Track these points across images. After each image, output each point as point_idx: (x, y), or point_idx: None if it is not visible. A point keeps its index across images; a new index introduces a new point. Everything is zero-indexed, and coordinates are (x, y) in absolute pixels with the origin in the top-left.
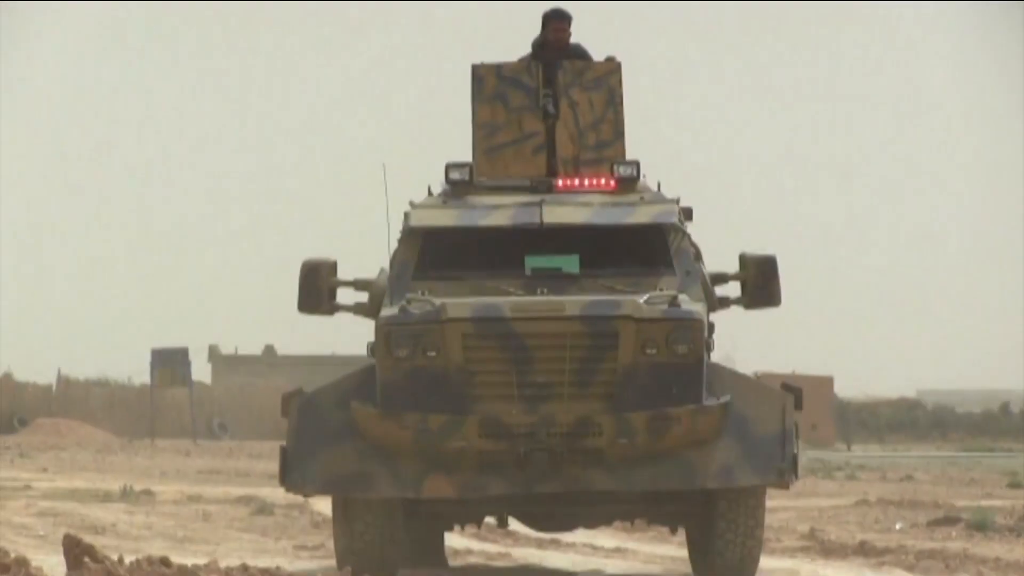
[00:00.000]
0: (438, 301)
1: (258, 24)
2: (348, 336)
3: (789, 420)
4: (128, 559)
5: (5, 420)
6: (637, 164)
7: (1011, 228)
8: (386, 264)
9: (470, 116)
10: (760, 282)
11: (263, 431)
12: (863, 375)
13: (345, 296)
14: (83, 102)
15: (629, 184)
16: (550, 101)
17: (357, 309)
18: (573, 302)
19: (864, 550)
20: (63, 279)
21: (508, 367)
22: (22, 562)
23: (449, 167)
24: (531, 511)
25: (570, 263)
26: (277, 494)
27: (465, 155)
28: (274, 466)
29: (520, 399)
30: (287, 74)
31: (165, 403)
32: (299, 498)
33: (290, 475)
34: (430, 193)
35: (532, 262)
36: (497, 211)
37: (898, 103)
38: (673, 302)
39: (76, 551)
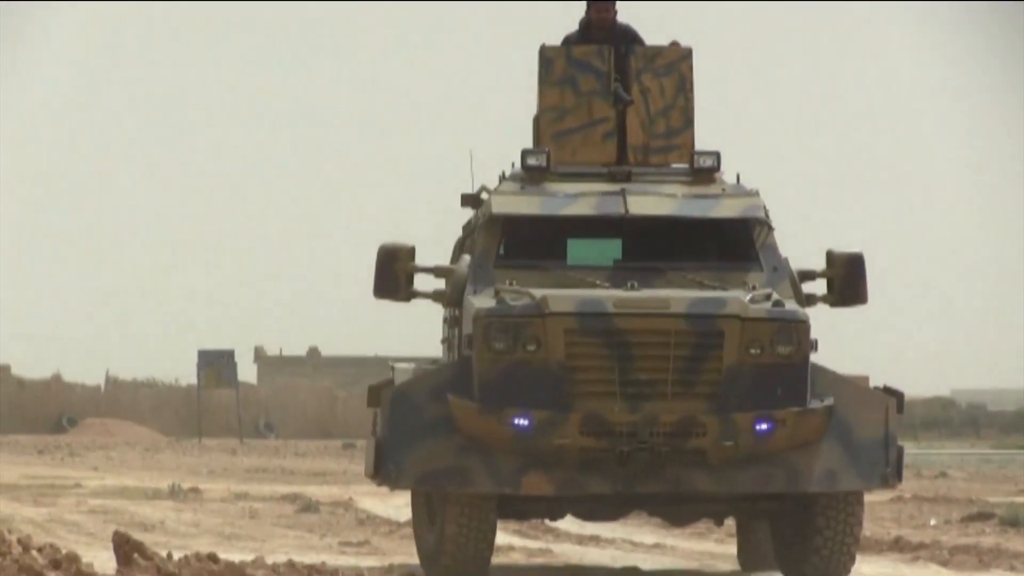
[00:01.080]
0: (538, 293)
1: (310, 11)
2: (391, 337)
3: (892, 423)
4: (176, 555)
5: (55, 420)
6: (718, 155)
7: None
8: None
9: (535, 100)
10: (848, 280)
11: (308, 430)
12: (897, 374)
13: (422, 283)
14: (130, 101)
15: (708, 175)
16: (621, 86)
17: (436, 296)
18: (678, 299)
19: (899, 546)
20: (111, 283)
21: (610, 363)
22: (73, 558)
23: (526, 153)
24: (628, 509)
25: (612, 249)
26: (322, 492)
27: (526, 138)
28: (320, 464)
29: (622, 397)
30: (330, 69)
31: (212, 403)
32: (344, 496)
33: (383, 468)
34: (502, 179)
35: (575, 253)
36: (580, 199)
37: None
38: (777, 302)
39: (126, 548)
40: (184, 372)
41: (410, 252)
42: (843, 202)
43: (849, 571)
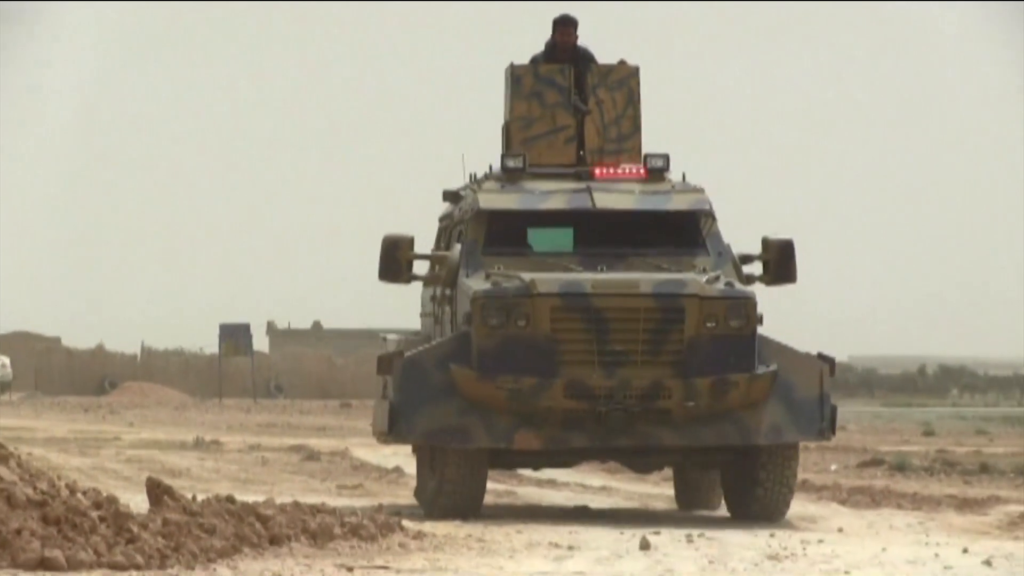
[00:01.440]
0: (527, 277)
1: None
2: (381, 313)
3: (826, 385)
4: (200, 497)
5: (98, 383)
6: (667, 156)
7: (945, 211)
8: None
9: (502, 109)
10: (780, 263)
11: (311, 392)
12: (808, 342)
13: (417, 267)
14: (153, 90)
15: (659, 174)
16: (580, 99)
17: (431, 279)
18: (646, 280)
19: (805, 487)
20: (146, 266)
21: (589, 336)
22: (112, 500)
23: (505, 156)
24: (605, 460)
25: (565, 239)
26: (323, 443)
27: (494, 142)
28: (322, 420)
29: (600, 365)
30: (339, 66)
31: (230, 369)
32: (341, 446)
33: (396, 427)
34: (473, 179)
35: (536, 239)
36: (553, 196)
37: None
38: (729, 283)
39: (157, 491)
40: (207, 342)
41: (411, 242)
42: (767, 194)
43: (785, 512)
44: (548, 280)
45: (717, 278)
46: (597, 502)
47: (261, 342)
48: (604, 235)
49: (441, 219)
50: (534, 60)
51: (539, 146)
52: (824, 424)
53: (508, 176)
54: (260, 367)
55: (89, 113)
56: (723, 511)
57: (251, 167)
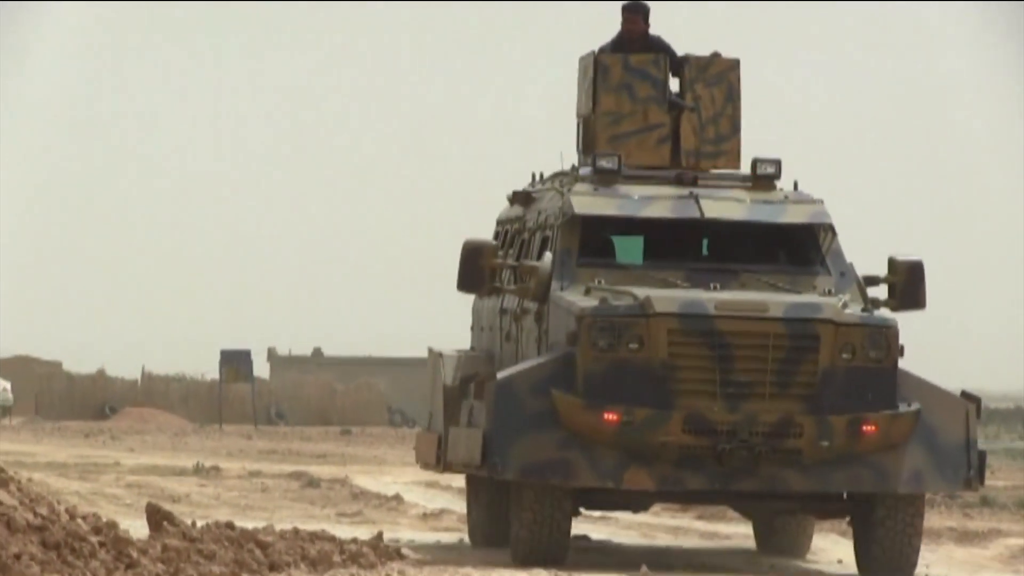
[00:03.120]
0: (640, 293)
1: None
2: (381, 340)
3: (973, 428)
4: (200, 523)
5: (98, 408)
6: (779, 162)
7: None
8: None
9: (579, 102)
10: (909, 286)
11: (311, 419)
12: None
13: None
14: (153, 109)
15: (768, 181)
16: (678, 94)
17: (519, 292)
18: (776, 303)
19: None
20: (147, 292)
21: (712, 364)
22: (112, 525)
23: (598, 155)
24: (722, 505)
25: (636, 249)
26: (323, 470)
27: (566, 142)
28: (322, 447)
29: (722, 397)
30: (350, 70)
31: (231, 395)
32: (341, 473)
33: (490, 459)
34: (538, 180)
35: (621, 253)
36: (655, 202)
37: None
38: (867, 308)
39: (157, 516)
40: (208, 368)
41: (494, 249)
42: (902, 212)
43: (915, 564)
44: (666, 298)
45: (856, 303)
46: (596, 532)
47: (262, 368)
48: (712, 249)
49: (502, 222)
50: (601, 51)
51: (628, 145)
52: (971, 473)
53: (600, 178)
54: (261, 393)
55: (91, 138)
56: (813, 558)
57: (253, 194)
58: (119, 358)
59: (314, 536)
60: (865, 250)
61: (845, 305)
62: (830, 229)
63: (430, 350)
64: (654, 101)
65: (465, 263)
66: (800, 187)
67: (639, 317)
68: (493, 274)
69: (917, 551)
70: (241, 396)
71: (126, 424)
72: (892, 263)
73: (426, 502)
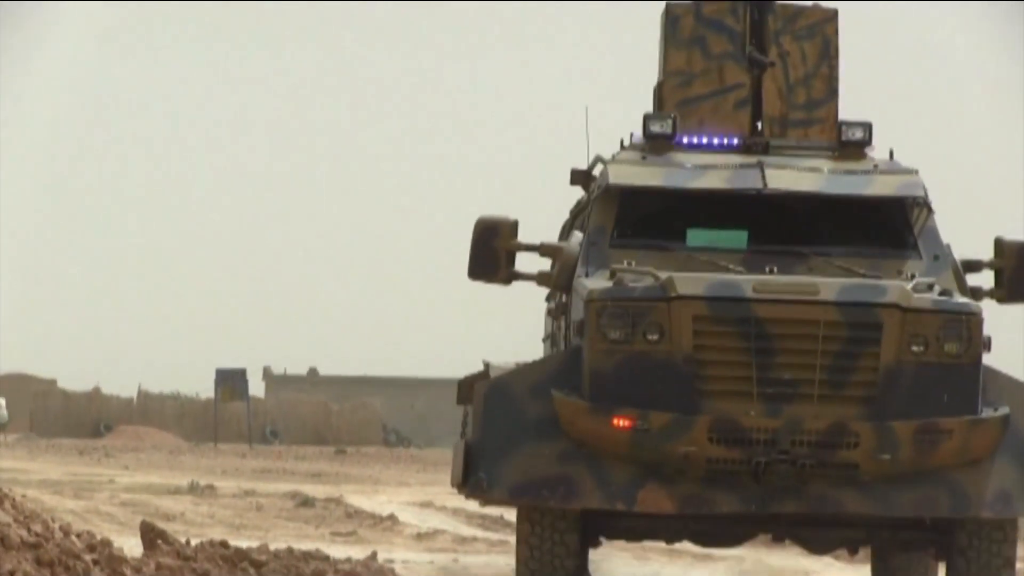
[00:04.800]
0: (663, 274)
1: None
2: (379, 359)
3: None
4: (194, 542)
5: (94, 426)
6: (869, 126)
7: None
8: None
9: (658, 65)
10: (1020, 272)
11: (306, 438)
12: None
13: (526, 263)
14: (152, 127)
15: (857, 149)
16: (758, 49)
17: (540, 279)
18: (828, 284)
19: None
20: (143, 310)
21: (747, 358)
22: (106, 543)
23: (648, 118)
24: (761, 532)
25: (737, 239)
26: (317, 489)
27: (646, 108)
28: (317, 466)
29: (760, 398)
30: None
31: (226, 414)
32: (335, 493)
33: (474, 475)
34: (623, 147)
35: (694, 237)
36: (709, 172)
37: None
38: (945, 292)
39: (151, 535)
40: (203, 387)
41: (512, 227)
42: (1010, 186)
43: None
44: (691, 279)
45: (931, 287)
46: (658, 563)
47: (257, 387)
48: (778, 227)
49: (573, 211)
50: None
51: (701, 110)
52: None
53: (653, 145)
54: (256, 412)
55: (87, 160)
56: None
57: (248, 214)
58: (115, 376)
59: (308, 555)
60: (975, 235)
61: (920, 288)
62: (924, 204)
63: (484, 363)
64: (731, 57)
65: (477, 244)
66: (897, 157)
67: (658, 301)
68: (511, 258)
69: None
70: (236, 415)
71: (121, 442)
72: (1000, 245)
73: (420, 522)
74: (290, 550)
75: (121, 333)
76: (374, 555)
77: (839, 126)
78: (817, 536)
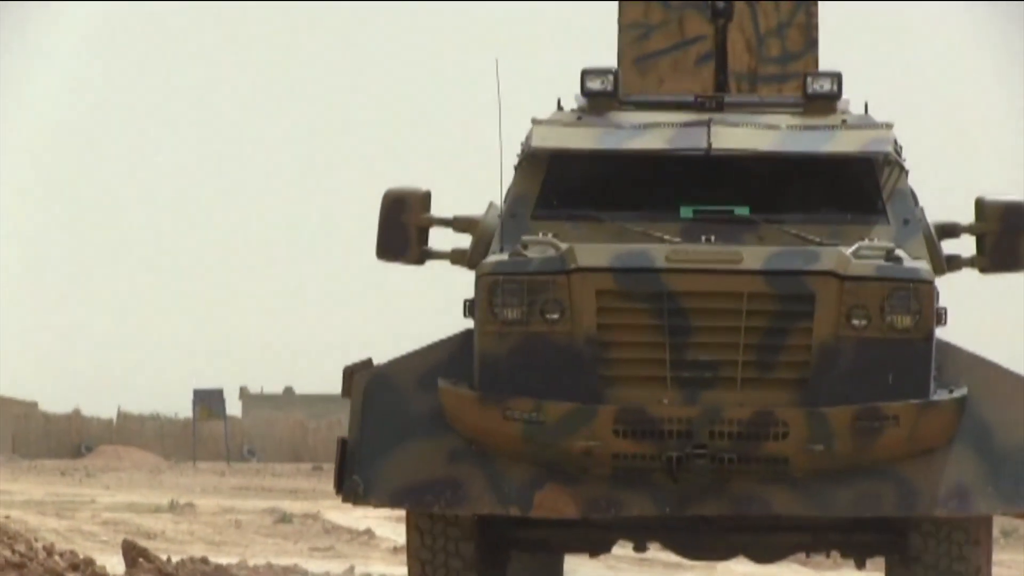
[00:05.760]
0: (564, 245)
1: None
2: None
3: None
4: (175, 559)
5: (74, 447)
6: (838, 76)
7: None
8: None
9: (616, 16)
10: (1005, 237)
11: (283, 455)
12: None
13: (440, 240)
14: (133, 135)
15: (826, 103)
16: None
17: (455, 257)
18: (753, 252)
19: None
20: (121, 332)
21: (659, 338)
22: (88, 562)
23: (586, 74)
24: (680, 538)
25: (741, 210)
26: (295, 506)
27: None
28: (294, 483)
29: (675, 384)
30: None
31: (204, 433)
32: (313, 509)
33: (349, 480)
34: (560, 107)
35: (688, 209)
36: (649, 132)
37: None
38: (891, 256)
39: (133, 553)
40: (182, 407)
41: (423, 199)
42: (1001, 146)
43: None
44: (594, 250)
45: (890, 252)
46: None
47: (234, 407)
48: (728, 192)
49: None
50: None
51: (660, 67)
52: None
53: (593, 105)
54: (234, 431)
55: (63, 184)
56: None
57: (223, 237)
58: (94, 398)
59: (287, 571)
60: (962, 196)
61: (863, 253)
62: (894, 164)
63: None
64: (692, 6)
65: (385, 220)
66: (874, 112)
67: (558, 275)
68: (422, 234)
69: None
70: (214, 434)
71: (102, 462)
72: (981, 206)
73: (397, 536)
74: (269, 565)
75: (100, 355)
76: (351, 569)
77: (804, 78)
78: (756, 542)
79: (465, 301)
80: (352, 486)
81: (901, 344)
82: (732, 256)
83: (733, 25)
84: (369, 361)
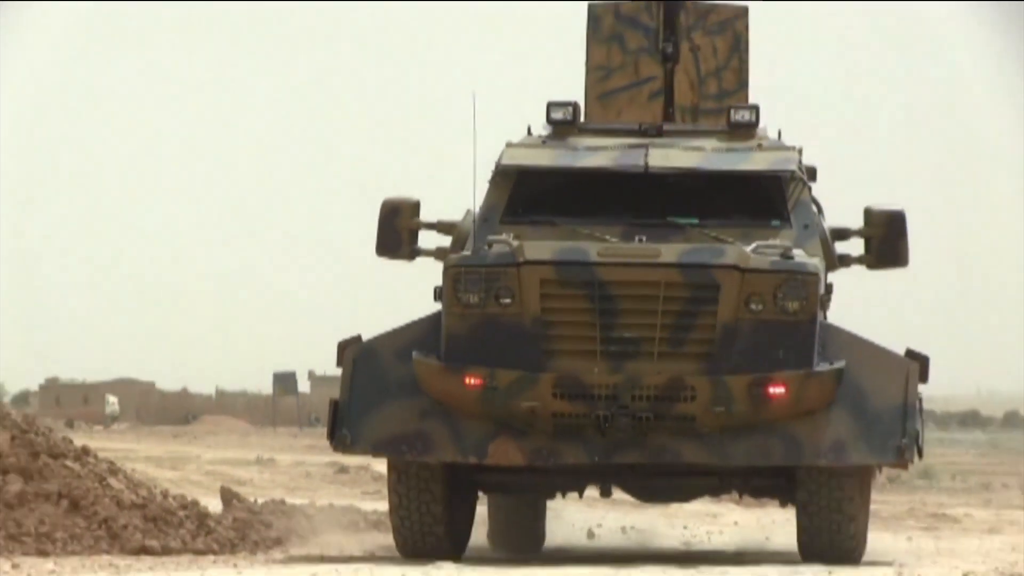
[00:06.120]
0: (517, 242)
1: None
2: None
3: (912, 391)
4: (260, 500)
5: (183, 416)
6: (756, 108)
7: None
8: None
9: (584, 59)
10: (887, 240)
11: None
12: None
13: (428, 241)
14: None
15: (746, 130)
16: (671, 44)
17: (439, 254)
18: (670, 248)
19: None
20: (217, 327)
21: (591, 319)
22: (195, 503)
23: (551, 106)
24: (609, 483)
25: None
26: (351, 460)
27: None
28: None
29: (603, 356)
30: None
31: (281, 406)
32: (365, 462)
33: (339, 431)
34: (529, 133)
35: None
36: (599, 153)
37: None
38: (785, 253)
39: (228, 496)
40: (264, 386)
41: (414, 207)
42: (904, 169)
43: (854, 551)
44: (539, 246)
45: (785, 251)
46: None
47: (304, 385)
48: (662, 203)
49: None
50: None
51: (619, 101)
52: (905, 441)
53: (556, 131)
54: (304, 404)
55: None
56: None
57: (283, 235)
58: (198, 378)
59: (345, 509)
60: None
61: (761, 250)
62: (798, 179)
63: None
64: (646, 52)
65: (382, 224)
66: (790, 139)
67: (509, 267)
68: (413, 235)
69: (854, 537)
70: (289, 407)
71: (204, 428)
72: (868, 213)
73: None
74: (331, 505)
75: (202, 345)
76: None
77: (728, 110)
78: (663, 488)
79: (435, 288)
80: (341, 438)
81: (790, 325)
82: (652, 252)
83: (679, 68)
84: (359, 337)
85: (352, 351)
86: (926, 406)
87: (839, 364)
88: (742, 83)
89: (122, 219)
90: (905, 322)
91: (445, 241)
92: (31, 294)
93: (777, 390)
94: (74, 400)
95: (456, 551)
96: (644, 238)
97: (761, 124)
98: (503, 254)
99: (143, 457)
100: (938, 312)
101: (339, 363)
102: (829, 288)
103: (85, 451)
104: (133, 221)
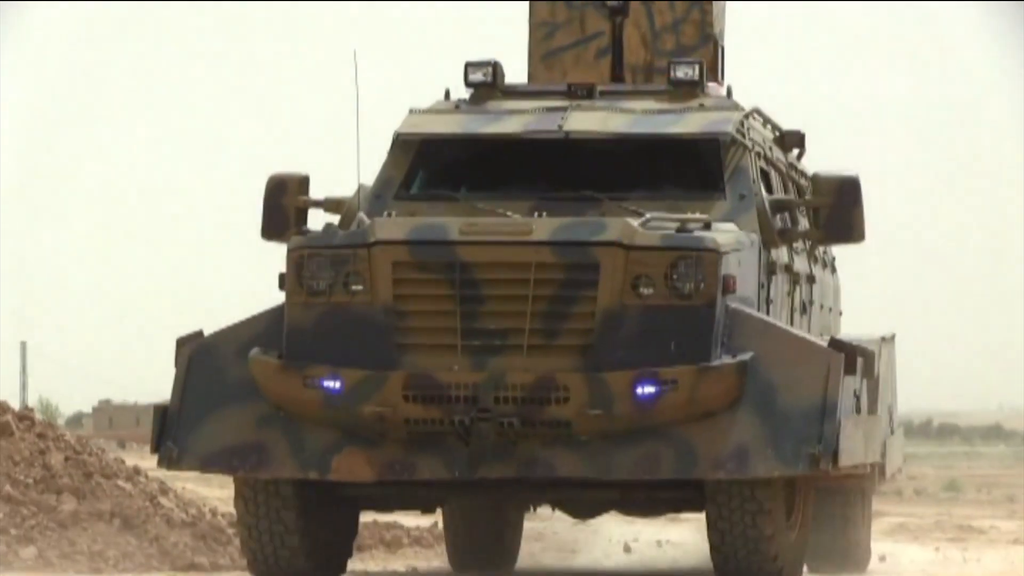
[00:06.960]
0: (369, 220)
1: None
2: None
3: (833, 388)
4: None
5: None
6: (700, 64)
7: None
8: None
9: (527, 16)
10: (837, 210)
11: None
12: None
13: (318, 220)
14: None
15: (689, 88)
16: None
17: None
18: (542, 223)
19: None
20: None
21: (451, 307)
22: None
23: (468, 66)
24: (479, 500)
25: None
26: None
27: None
28: None
29: (464, 351)
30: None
31: None
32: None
33: (164, 445)
34: (447, 97)
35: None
36: (511, 118)
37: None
38: (684, 228)
39: None
40: None
41: (302, 183)
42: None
43: (769, 572)
44: (393, 223)
45: (683, 223)
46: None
47: None
48: (579, 173)
49: None
50: None
51: (564, 61)
52: (820, 448)
53: (476, 95)
54: None
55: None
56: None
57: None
58: None
59: (388, 525)
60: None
61: (653, 224)
62: (738, 144)
63: None
64: (591, 5)
65: (268, 202)
66: (753, 102)
67: (359, 248)
68: (301, 215)
69: (776, 558)
70: None
71: None
72: (816, 181)
73: None
74: (375, 522)
75: None
76: (436, 524)
77: (669, 66)
78: (571, 499)
79: (280, 275)
80: (167, 452)
81: (684, 311)
82: (522, 228)
83: (629, 22)
84: (200, 333)
85: (188, 349)
86: (950, 421)
87: (743, 356)
88: (705, 37)
89: (178, 244)
90: (928, 341)
91: (335, 220)
92: (84, 318)
93: (665, 388)
94: (126, 421)
95: (328, 570)
96: (545, 214)
97: (725, 85)
98: (352, 233)
99: (193, 476)
100: (962, 331)
101: (176, 362)
102: (772, 267)
103: (136, 471)
104: (188, 250)
